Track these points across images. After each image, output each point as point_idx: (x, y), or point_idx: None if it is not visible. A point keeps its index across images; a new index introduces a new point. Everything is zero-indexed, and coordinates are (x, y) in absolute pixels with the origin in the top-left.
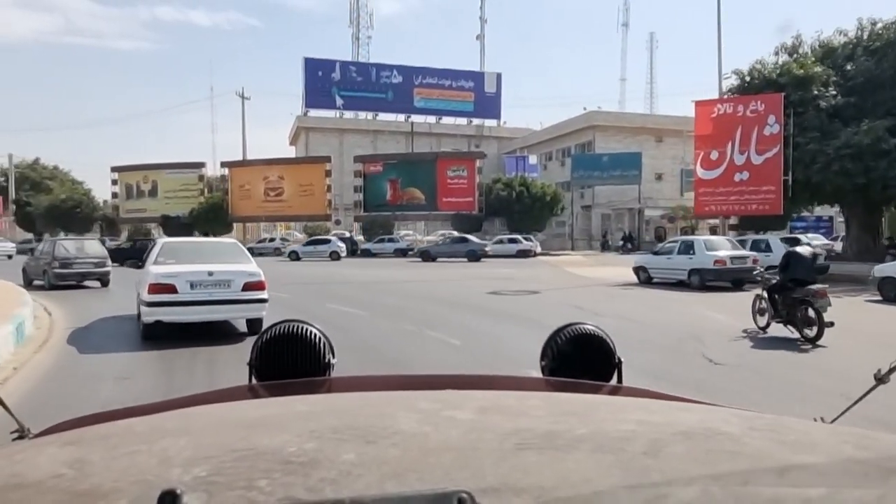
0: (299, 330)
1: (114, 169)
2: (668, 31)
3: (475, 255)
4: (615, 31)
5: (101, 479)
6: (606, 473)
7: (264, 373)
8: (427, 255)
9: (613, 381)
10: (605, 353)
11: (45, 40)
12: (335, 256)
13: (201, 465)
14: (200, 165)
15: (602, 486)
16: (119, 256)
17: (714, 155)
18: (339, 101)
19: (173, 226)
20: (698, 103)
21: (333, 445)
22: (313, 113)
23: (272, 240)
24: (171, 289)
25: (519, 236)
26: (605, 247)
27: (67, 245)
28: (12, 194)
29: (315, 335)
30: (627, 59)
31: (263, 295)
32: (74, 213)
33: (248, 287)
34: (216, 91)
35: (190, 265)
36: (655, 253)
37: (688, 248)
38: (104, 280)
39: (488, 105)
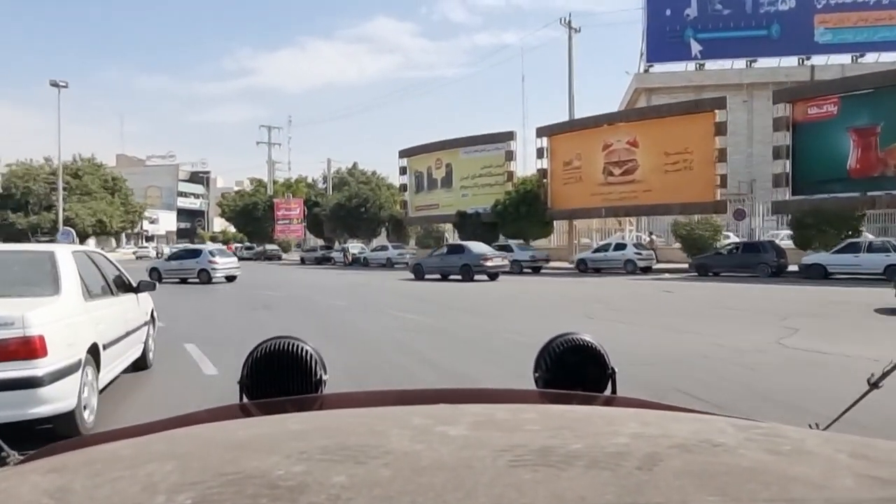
0: (290, 347)
1: (402, 153)
2: None
3: (469, 273)
4: None
5: None
6: (601, 491)
7: (255, 391)
8: (419, 272)
9: (608, 392)
10: (599, 363)
11: (389, 77)
12: (205, 278)
13: (186, 492)
14: (508, 137)
15: None
16: None
17: None
18: (694, 49)
19: (471, 227)
20: None
21: (323, 467)
22: (658, 68)
23: (619, 246)
24: None
25: None
26: None
27: None
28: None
29: (306, 351)
30: None
31: (31, 370)
32: (360, 214)
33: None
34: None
35: None
36: None
37: None
38: None
39: None
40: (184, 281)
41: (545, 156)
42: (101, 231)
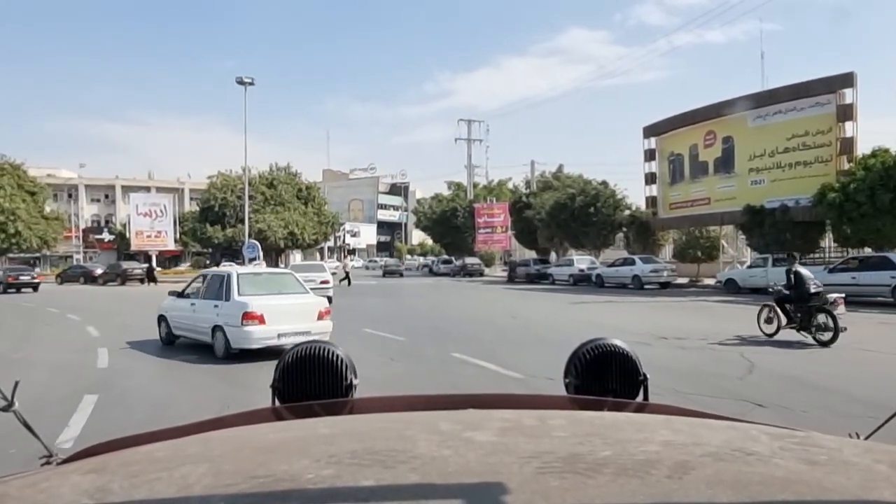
0: (321, 351)
1: (648, 131)
2: None
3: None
4: None
5: None
6: (630, 499)
7: (287, 395)
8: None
9: (639, 398)
10: (630, 369)
11: (581, 87)
12: None
13: (220, 494)
14: (841, 83)
15: None
16: None
17: None
18: None
19: (773, 228)
20: None
21: (352, 471)
22: None
23: None
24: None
25: None
26: None
27: None
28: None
29: (336, 356)
30: None
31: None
32: (588, 216)
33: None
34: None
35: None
36: None
37: None
38: None
39: None
40: None
41: None
42: (294, 244)
